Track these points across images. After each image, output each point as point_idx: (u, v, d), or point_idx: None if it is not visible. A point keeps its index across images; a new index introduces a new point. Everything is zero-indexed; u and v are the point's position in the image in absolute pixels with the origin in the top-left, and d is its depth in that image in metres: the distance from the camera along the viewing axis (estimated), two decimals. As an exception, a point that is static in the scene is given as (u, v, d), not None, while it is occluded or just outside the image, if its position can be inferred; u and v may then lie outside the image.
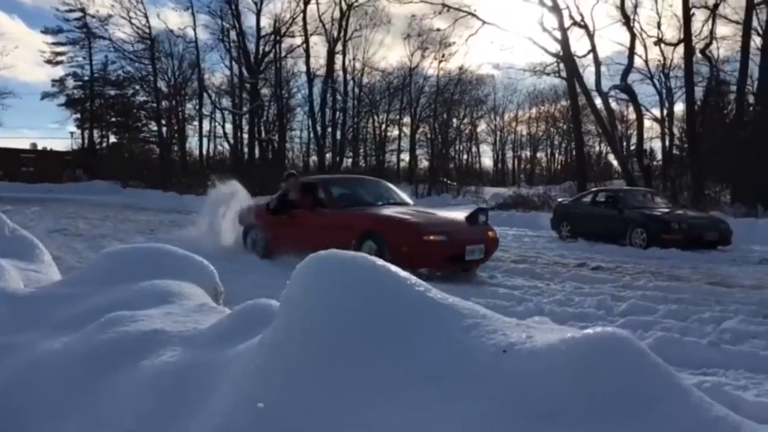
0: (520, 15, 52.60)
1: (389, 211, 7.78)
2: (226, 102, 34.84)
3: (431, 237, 6.88)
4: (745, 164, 18.98)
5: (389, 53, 66.84)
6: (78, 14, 34.00)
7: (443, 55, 31.46)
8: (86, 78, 36.30)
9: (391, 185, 9.41)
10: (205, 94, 33.54)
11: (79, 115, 37.26)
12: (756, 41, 20.44)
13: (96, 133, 37.66)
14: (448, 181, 32.88)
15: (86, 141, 37.41)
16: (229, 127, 34.44)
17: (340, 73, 32.37)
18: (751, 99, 21.33)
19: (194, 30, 32.43)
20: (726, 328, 4.33)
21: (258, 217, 8.52)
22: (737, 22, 21.41)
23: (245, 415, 1.55)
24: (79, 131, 37.69)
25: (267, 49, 31.62)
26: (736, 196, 19.13)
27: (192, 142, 38.88)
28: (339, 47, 31.28)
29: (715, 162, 21.24)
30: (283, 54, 32.39)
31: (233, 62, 32.90)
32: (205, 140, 36.17)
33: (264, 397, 1.59)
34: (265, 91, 32.90)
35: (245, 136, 32.98)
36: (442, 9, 22.64)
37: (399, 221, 7.22)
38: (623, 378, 1.32)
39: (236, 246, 8.83)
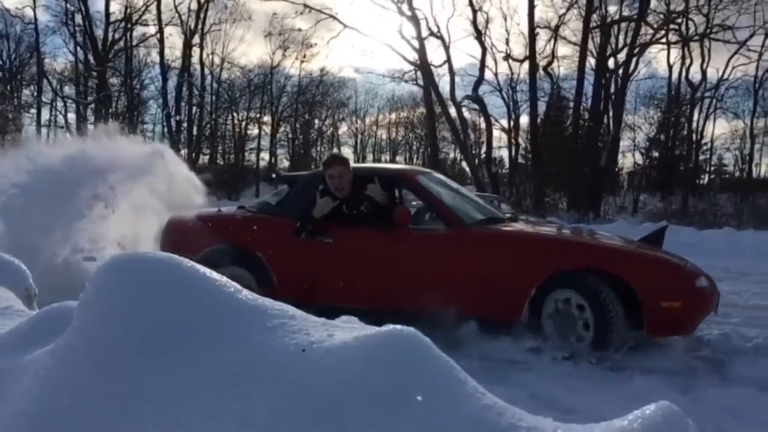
0: (380, 22, 53.69)
1: (586, 234, 4.77)
2: (69, 90, 32.34)
3: (703, 283, 4.03)
4: (578, 174, 20.80)
5: (250, 50, 65.70)
6: None
7: (305, 56, 31.42)
8: None
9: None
10: (45, 81, 30.93)
11: None
12: (591, 62, 22.48)
13: None
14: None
15: None
16: (72, 116, 32.03)
17: (198, 66, 31.28)
18: (586, 115, 23.35)
19: (34, 10, 29.93)
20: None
21: (260, 239, 4.63)
22: (575, 44, 23.42)
23: (25, 423, 1.46)
24: None
25: (117, 36, 29.82)
26: (571, 203, 20.90)
27: (29, 131, 35.72)
28: (196, 40, 30.23)
29: (555, 171, 23.06)
30: (135, 43, 30.73)
31: (78, 48, 30.66)
32: (44, 130, 33.37)
33: (51, 404, 1.50)
34: (114, 80, 30.95)
35: (90, 127, 30.84)
36: (304, 9, 22.61)
37: (647, 258, 4.16)
38: (407, 371, 1.40)
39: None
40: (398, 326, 1.48)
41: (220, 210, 5.19)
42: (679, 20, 23.24)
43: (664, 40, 23.81)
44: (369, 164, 10.25)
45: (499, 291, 4.09)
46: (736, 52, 24.66)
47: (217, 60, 32.39)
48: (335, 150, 43.38)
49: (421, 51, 21.79)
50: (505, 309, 4.07)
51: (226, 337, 1.56)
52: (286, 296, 3.25)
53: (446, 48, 22.68)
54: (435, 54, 29.89)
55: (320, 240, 4.48)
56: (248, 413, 1.44)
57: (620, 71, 23.62)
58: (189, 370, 1.50)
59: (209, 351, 1.53)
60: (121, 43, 29.92)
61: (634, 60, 23.54)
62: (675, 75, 27.64)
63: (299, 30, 28.64)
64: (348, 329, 1.71)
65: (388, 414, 1.36)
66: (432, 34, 22.27)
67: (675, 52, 26.81)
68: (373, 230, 4.42)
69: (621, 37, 24.09)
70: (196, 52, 30.52)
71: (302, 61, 32.72)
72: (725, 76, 26.08)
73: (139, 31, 30.39)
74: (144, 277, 1.66)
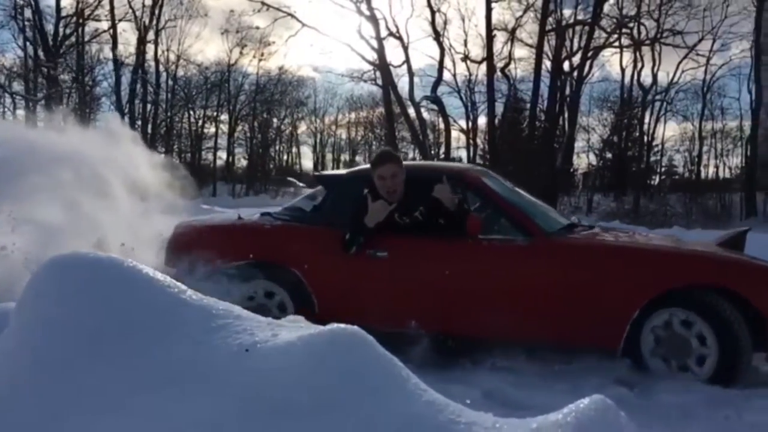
0: (339, 21, 53.55)
1: (691, 244, 4.19)
2: (18, 86, 31.33)
3: None
4: (535, 174, 21.14)
5: (207, 47, 64.63)
6: None
7: (262, 54, 31.06)
8: None
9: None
10: (-8, 76, 29.89)
11: None
12: (547, 64, 22.89)
13: None
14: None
15: None
16: (21, 113, 31.04)
17: (152, 63, 30.67)
18: (542, 116, 23.76)
19: (-20, 4, 28.78)
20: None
21: (297, 253, 3.91)
22: (532, 46, 23.79)
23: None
24: None
25: (68, 31, 28.98)
26: (527, 202, 21.17)
27: (-25, 129, 34.39)
28: (151, 36, 29.63)
29: (512, 171, 23.40)
30: (87, 38, 29.91)
31: (28, 43, 29.71)
32: (-9, 127, 32.22)
33: (-16, 410, 1.46)
34: (65, 77, 30.12)
35: (41, 124, 29.92)
36: (262, 7, 22.37)
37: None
38: (350, 369, 1.42)
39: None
40: (342, 325, 1.49)
41: (240, 217, 4.40)
42: (631, 25, 23.89)
43: (616, 43, 24.43)
44: (414, 161, 8.26)
45: (594, 313, 3.48)
46: (685, 57, 25.46)
47: (172, 57, 31.79)
48: (293, 149, 43.05)
49: (380, 51, 21.84)
50: (600, 334, 3.50)
51: (168, 338, 1.55)
52: (329, 319, 2.81)
53: (405, 48, 22.80)
54: (394, 54, 30.10)
55: (372, 254, 3.74)
56: (190, 414, 1.43)
57: (575, 74, 24.10)
58: (130, 372, 1.48)
59: (151, 352, 1.52)
60: (73, 39, 29.15)
61: (588, 63, 24.02)
62: (627, 78, 28.37)
63: (257, 28, 28.19)
64: (294, 329, 1.71)
65: (330, 412, 1.37)
66: (391, 34, 22.35)
67: (627, 56, 27.50)
68: (436, 241, 3.75)
69: (576, 41, 24.62)
70: (150, 48, 29.96)
71: (260, 60, 32.37)
72: (675, 80, 26.89)
73: (91, 26, 29.60)
74: (84, 278, 1.63)
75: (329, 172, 5.56)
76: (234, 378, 1.47)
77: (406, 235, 3.79)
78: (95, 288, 1.60)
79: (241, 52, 32.34)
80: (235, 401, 1.42)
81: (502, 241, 3.73)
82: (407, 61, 22.91)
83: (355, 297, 3.76)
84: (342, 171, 4.85)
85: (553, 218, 4.14)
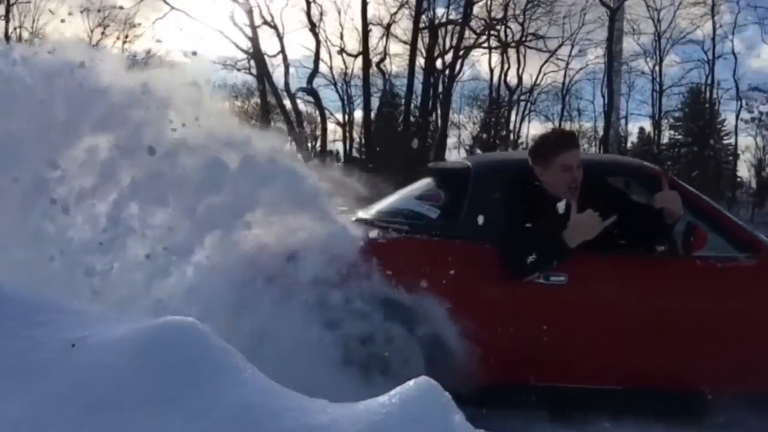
0: (211, 6, 51.52)
1: None
2: None
3: None
4: (410, 168, 21.65)
5: (65, 26, 60.03)
6: None
7: (127, 36, 29.38)
8: None
9: None
10: None
11: None
12: (421, 61, 23.50)
13: None
14: None
15: None
16: None
17: (4, 41, 28.09)
18: (417, 112, 24.38)
19: None
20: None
21: (432, 279, 2.56)
22: (406, 43, 24.31)
23: None
24: None
25: None
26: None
27: None
28: (1, 11, 27.15)
29: (388, 165, 23.82)
30: (-75, 9, 26.91)
31: None
32: None
33: None
34: None
35: None
36: (126, -15, 21.20)
37: None
38: (182, 362, 1.39)
39: None
40: (175, 317, 1.47)
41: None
42: (499, 27, 25.13)
43: (485, 44, 25.59)
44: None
45: None
46: (547, 60, 27.16)
47: (26, 34, 29.36)
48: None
49: (254, 39, 21.43)
50: None
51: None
52: (487, 379, 2.44)
53: (280, 38, 22.51)
54: (269, 43, 29.43)
55: (543, 279, 2.65)
56: (12, 411, 1.35)
57: (447, 72, 24.95)
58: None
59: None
60: None
61: (459, 62, 24.98)
62: (496, 78, 29.79)
63: (121, 8, 26.55)
64: (127, 322, 1.65)
65: (160, 405, 1.34)
66: (266, 22, 21.99)
67: (495, 57, 28.86)
68: (636, 261, 2.77)
69: (448, 40, 25.47)
70: (1, 25, 27.46)
71: (125, 42, 30.63)
72: (538, 82, 28.60)
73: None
74: None
75: (457, 161, 3.85)
76: (57, 373, 1.40)
77: (587, 251, 2.64)
78: None
79: (103, 33, 30.37)
80: (56, 398, 1.35)
81: (722, 260, 2.78)
82: (282, 51, 22.66)
83: (518, 342, 2.61)
84: (471, 160, 3.28)
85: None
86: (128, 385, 1.36)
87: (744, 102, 25.77)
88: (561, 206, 2.65)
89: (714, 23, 24.93)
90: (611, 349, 2.64)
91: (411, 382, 1.36)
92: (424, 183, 3.41)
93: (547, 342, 2.56)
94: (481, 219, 2.68)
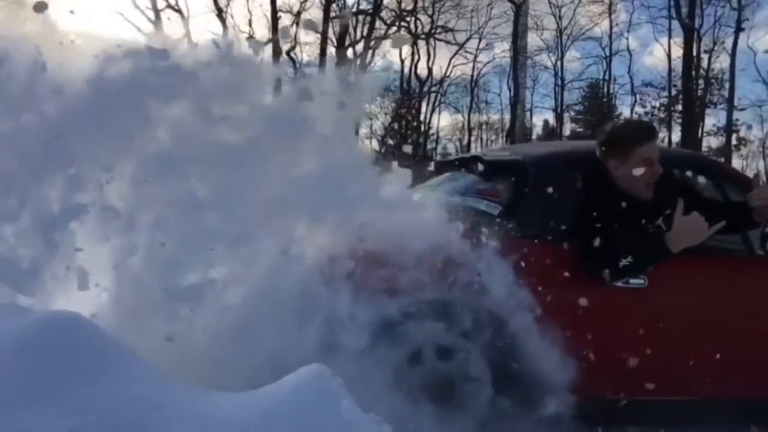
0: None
1: None
2: None
3: None
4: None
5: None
6: None
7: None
8: None
9: None
10: None
11: None
12: (332, 50, 23.37)
13: None
14: None
15: None
16: None
17: None
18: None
19: None
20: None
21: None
22: (317, 31, 24.09)
23: None
24: None
25: None
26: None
27: None
28: None
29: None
30: None
31: None
32: None
33: None
34: None
35: None
36: (16, -38, 19.77)
37: None
38: (66, 354, 1.35)
39: None
40: (56, 309, 1.42)
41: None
42: (409, 19, 25.35)
43: (396, 35, 25.77)
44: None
45: None
46: (456, 53, 27.70)
47: None
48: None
49: (157, 23, 20.58)
50: None
51: None
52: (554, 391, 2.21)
53: (185, 22, 21.72)
54: (173, 28, 28.28)
55: (624, 283, 2.43)
56: None
57: (359, 61, 24.95)
58: None
59: None
60: None
61: (370, 52, 25.04)
62: (407, 69, 30.09)
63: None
64: (9, 315, 1.58)
65: (43, 399, 1.29)
66: (169, 6, 21.16)
67: (406, 48, 29.13)
68: (719, 260, 2.67)
69: (359, 29, 25.46)
70: None
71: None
72: (447, 74, 29.14)
73: None
74: None
75: (502, 153, 3.12)
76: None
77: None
78: None
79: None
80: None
81: None
82: (188, 36, 21.83)
83: (593, 350, 2.34)
84: (521, 153, 2.89)
85: None
86: (5, 381, 1.30)
87: (638, 97, 27.51)
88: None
89: (611, 21, 26.28)
90: (706, 354, 2.41)
91: (303, 369, 1.37)
92: (472, 178, 2.94)
93: (628, 348, 2.37)
94: (547, 217, 2.47)
